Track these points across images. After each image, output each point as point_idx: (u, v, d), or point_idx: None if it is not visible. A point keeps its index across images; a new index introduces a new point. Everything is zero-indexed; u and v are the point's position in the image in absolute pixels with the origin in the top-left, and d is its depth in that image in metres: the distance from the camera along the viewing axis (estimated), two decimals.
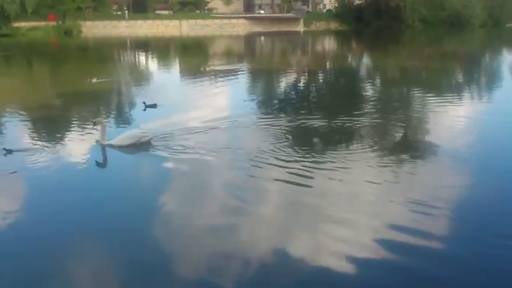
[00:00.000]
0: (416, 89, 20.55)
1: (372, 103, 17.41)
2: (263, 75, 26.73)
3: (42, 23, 68.61)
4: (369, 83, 23.79)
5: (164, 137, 11.48)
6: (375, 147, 10.84)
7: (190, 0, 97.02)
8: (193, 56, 40.79)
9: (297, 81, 24.31)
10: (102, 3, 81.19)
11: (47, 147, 11.00)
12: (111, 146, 10.84)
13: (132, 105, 16.71)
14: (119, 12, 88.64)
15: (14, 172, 9.34)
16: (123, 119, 14.71)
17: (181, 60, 37.42)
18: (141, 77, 26.10)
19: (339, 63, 34.50)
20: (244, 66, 31.37)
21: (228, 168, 9.56)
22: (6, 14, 61.32)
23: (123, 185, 9.05)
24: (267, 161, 9.69)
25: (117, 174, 9.73)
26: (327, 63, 35.30)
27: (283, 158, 9.87)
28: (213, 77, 23.95)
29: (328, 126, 13.02)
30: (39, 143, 11.44)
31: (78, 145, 11.31)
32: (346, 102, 17.68)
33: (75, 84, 21.40)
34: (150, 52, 46.43)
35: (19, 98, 18.94)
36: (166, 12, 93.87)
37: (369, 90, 20.92)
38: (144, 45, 54.41)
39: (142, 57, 42.02)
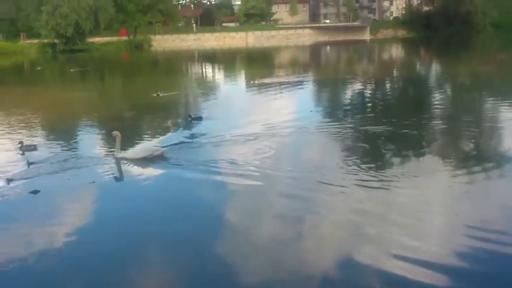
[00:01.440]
0: (488, 97, 19.58)
1: (441, 111, 16.74)
2: (329, 85, 26.44)
3: (114, 38, 71.61)
4: (438, 90, 22.91)
5: (217, 144, 11.79)
6: (445, 157, 10.42)
7: (256, 12, 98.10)
8: (258, 67, 41.09)
9: (364, 90, 23.86)
10: (172, 17, 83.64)
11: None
12: (124, 159, 11.00)
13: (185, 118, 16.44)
14: (182, 24, 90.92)
15: (92, 182, 9.81)
16: (167, 132, 14.51)
17: (247, 72, 37.76)
18: (206, 89, 26.40)
19: (407, 71, 33.57)
20: (308, 76, 31.23)
21: (291, 177, 9.41)
22: (81, 30, 64.42)
23: (177, 197, 9.08)
24: (333, 170, 9.55)
25: (169, 187, 9.73)
26: (395, 71, 34.46)
27: (350, 167, 9.69)
28: (278, 88, 23.93)
29: (396, 135, 12.64)
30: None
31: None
32: (415, 110, 17.07)
33: (143, 98, 21.98)
34: (216, 64, 47.28)
35: (93, 111, 19.80)
36: (232, 24, 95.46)
37: (438, 98, 20.13)
38: (211, 57, 55.54)
39: (208, 70, 42.85)
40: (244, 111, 17.89)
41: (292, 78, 27.95)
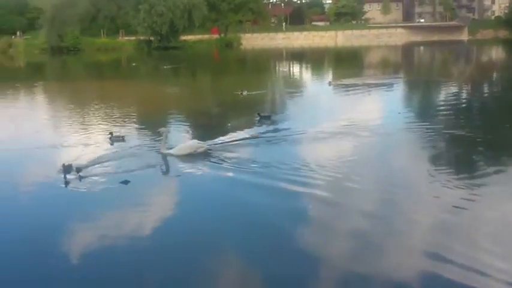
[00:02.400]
0: None
1: None
2: (421, 87, 25.40)
3: (206, 36, 73.40)
4: None
5: (282, 143, 11.82)
6: None
7: (347, 11, 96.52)
8: (346, 66, 40.32)
9: (459, 93, 22.65)
10: (262, 16, 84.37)
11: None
12: (170, 155, 11.21)
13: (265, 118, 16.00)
14: (274, 24, 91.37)
15: (178, 176, 10.08)
16: (235, 130, 14.25)
17: (334, 71, 37.20)
18: (290, 88, 26.13)
19: (507, 75, 31.50)
20: (399, 77, 30.14)
21: (368, 189, 9.05)
22: (175, 28, 66.66)
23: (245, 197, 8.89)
24: (417, 178, 9.07)
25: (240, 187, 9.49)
26: (494, 74, 32.42)
27: (438, 175, 9.17)
28: (366, 88, 23.33)
29: (491, 142, 11.85)
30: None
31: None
32: None
33: (228, 96, 22.25)
34: (304, 63, 47.02)
35: (181, 106, 20.39)
36: (322, 23, 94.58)
37: None
38: (298, 56, 55.37)
39: (295, 69, 42.69)
40: (325, 112, 17.65)
41: (382, 79, 27.13)
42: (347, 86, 23.89)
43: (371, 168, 10.18)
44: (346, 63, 44.69)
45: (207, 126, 15.65)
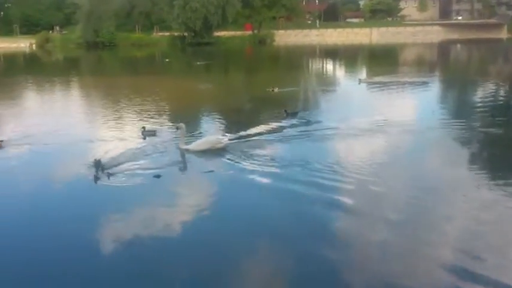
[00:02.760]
0: None
1: None
2: (457, 86, 24.82)
3: (239, 32, 73.53)
4: None
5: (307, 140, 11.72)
6: None
7: (382, 8, 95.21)
8: (380, 64, 39.71)
9: (496, 92, 22.03)
10: (296, 12, 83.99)
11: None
12: (188, 150, 11.31)
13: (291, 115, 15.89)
14: (309, 21, 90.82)
15: (210, 171, 10.11)
16: (261, 125, 14.32)
17: (368, 69, 36.69)
18: (322, 86, 25.92)
19: None
20: (434, 75, 29.55)
21: (404, 183, 8.91)
22: (209, 24, 66.97)
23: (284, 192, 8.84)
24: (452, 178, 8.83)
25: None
26: None
27: (474, 176, 8.93)
28: (401, 86, 22.93)
29: None
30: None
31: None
32: None
33: (259, 93, 22.20)
34: (337, 60, 46.57)
35: (212, 102, 20.45)
36: (356, 20, 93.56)
37: None
38: (332, 53, 54.90)
39: (328, 66, 42.31)
40: (355, 109, 17.40)
41: (417, 77, 26.57)
42: (379, 83, 23.43)
43: (401, 167, 9.99)
44: (380, 61, 44.06)
45: (235, 122, 15.61)
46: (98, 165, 9.84)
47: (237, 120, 15.84)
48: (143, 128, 13.41)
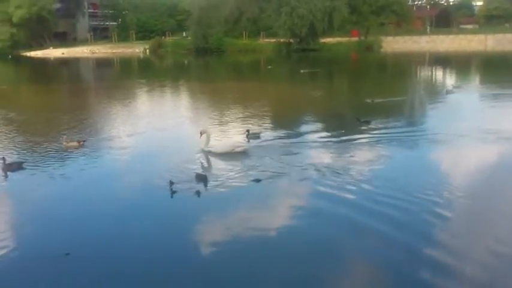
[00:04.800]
0: None
1: None
2: None
3: (345, 39, 72.56)
4: None
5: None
6: None
7: (499, 13, 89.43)
8: (496, 73, 37.05)
9: None
10: (405, 18, 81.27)
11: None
12: (210, 152, 11.87)
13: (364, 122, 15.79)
14: (420, 27, 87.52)
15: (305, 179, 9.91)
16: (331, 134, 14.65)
17: (481, 79, 34.46)
18: (424, 97, 24.33)
19: None
20: None
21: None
22: (314, 31, 66.85)
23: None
24: None
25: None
26: None
27: None
28: None
29: None
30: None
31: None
32: None
33: (358, 103, 21.80)
34: (448, 69, 44.23)
35: (312, 110, 20.32)
36: (470, 26, 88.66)
37: None
38: (442, 61, 52.25)
39: (438, 74, 40.27)
40: (449, 119, 16.53)
41: None
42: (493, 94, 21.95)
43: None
44: (499, 70, 41.16)
45: (316, 129, 15.63)
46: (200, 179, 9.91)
47: (337, 127, 15.56)
48: (247, 131, 13.80)
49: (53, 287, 6.26)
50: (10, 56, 73.30)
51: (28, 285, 6.32)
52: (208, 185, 9.55)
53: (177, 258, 6.84)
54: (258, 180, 9.78)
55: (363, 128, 15.07)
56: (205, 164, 11.39)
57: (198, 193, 9.17)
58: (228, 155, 11.77)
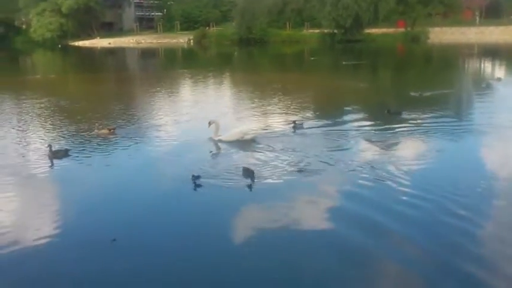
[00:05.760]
0: None
1: None
2: None
3: (391, 30, 71.28)
4: None
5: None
6: None
7: None
8: None
9: None
10: (454, 9, 78.93)
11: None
12: (220, 141, 12.24)
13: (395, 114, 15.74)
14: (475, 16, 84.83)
15: (351, 171, 9.86)
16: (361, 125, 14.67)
17: None
18: (471, 91, 23.36)
19: None
20: None
21: None
22: (360, 22, 65.89)
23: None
24: None
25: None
26: None
27: None
28: None
29: None
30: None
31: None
32: None
33: (403, 95, 21.47)
34: (496, 61, 42.68)
35: (352, 103, 20.01)
36: None
37: None
38: (491, 53, 50.52)
39: (486, 67, 38.89)
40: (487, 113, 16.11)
41: None
42: None
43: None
44: None
45: (360, 120, 15.63)
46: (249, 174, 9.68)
47: (380, 119, 15.33)
48: (293, 122, 14.06)
49: (102, 272, 6.37)
50: (60, 46, 75.42)
51: (79, 268, 6.49)
52: (255, 179, 9.35)
53: (219, 249, 6.88)
54: (300, 171, 9.83)
55: (404, 119, 15.06)
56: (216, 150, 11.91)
57: (250, 187, 9.14)
58: (240, 142, 12.11)
